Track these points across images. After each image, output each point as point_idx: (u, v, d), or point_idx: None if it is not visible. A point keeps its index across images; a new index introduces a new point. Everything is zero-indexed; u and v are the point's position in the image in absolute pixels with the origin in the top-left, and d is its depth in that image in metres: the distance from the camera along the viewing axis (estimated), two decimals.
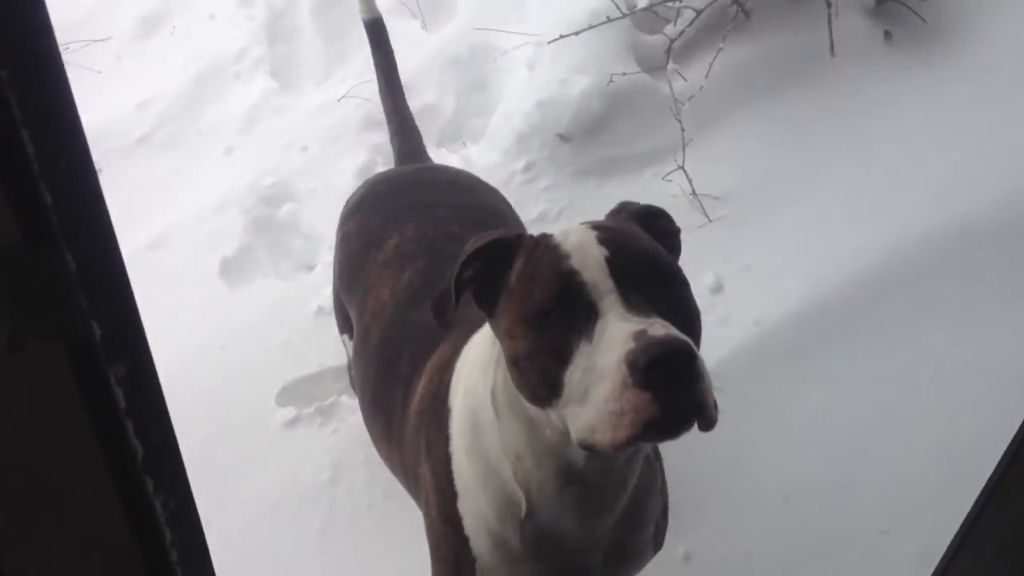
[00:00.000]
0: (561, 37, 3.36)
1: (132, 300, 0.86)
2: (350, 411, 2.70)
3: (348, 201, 2.43)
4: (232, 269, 3.17)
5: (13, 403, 0.81)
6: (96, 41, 4.46)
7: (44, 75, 0.75)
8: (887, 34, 3.55)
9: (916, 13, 3.53)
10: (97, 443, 0.86)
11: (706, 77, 3.26)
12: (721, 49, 3.29)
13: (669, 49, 3.40)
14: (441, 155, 3.44)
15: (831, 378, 2.59)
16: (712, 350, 2.67)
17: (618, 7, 3.45)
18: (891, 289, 2.75)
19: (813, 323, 2.70)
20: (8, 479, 0.83)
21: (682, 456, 2.51)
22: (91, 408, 0.84)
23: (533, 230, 3.09)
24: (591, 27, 3.37)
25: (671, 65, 3.38)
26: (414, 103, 3.73)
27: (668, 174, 3.09)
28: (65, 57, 3.56)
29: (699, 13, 3.43)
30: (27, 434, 0.83)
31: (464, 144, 3.59)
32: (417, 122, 3.51)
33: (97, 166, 0.80)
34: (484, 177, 3.28)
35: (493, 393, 1.52)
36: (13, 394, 0.80)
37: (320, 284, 3.04)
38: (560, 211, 3.18)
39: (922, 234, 2.85)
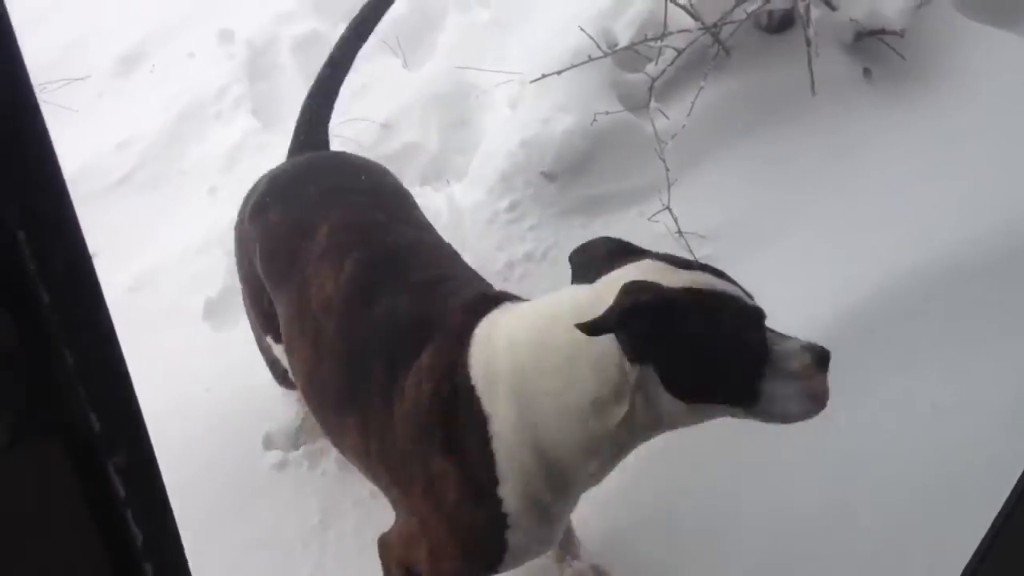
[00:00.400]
0: (543, 76, 3.38)
1: (131, 389, 0.86)
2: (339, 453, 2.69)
3: (248, 199, 2.47)
4: (217, 311, 3.16)
5: (12, 497, 0.80)
6: (75, 80, 4.44)
7: (40, 172, 0.75)
8: (866, 71, 3.58)
9: (894, 50, 3.57)
10: (97, 532, 0.85)
11: (688, 115, 3.27)
12: (703, 87, 3.31)
13: (651, 88, 3.41)
14: (425, 193, 3.45)
15: (819, 418, 2.59)
16: None
17: (599, 46, 3.46)
18: (879, 326, 2.76)
19: None
20: (8, 570, 0.83)
21: (673, 492, 2.52)
22: (91, 498, 0.84)
23: (519, 270, 3.13)
24: (573, 66, 3.39)
25: (653, 104, 3.39)
26: (396, 141, 3.75)
27: (655, 215, 3.10)
28: (43, 97, 3.54)
29: (680, 52, 3.45)
30: (27, 526, 0.82)
31: (448, 182, 3.59)
32: (400, 160, 3.52)
33: (92, 251, 0.80)
34: (469, 216, 3.31)
35: (630, 420, 1.72)
36: (12, 488, 0.80)
37: None
38: (546, 250, 3.18)
39: (908, 270, 2.87)
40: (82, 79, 4.48)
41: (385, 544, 2.05)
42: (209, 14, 4.75)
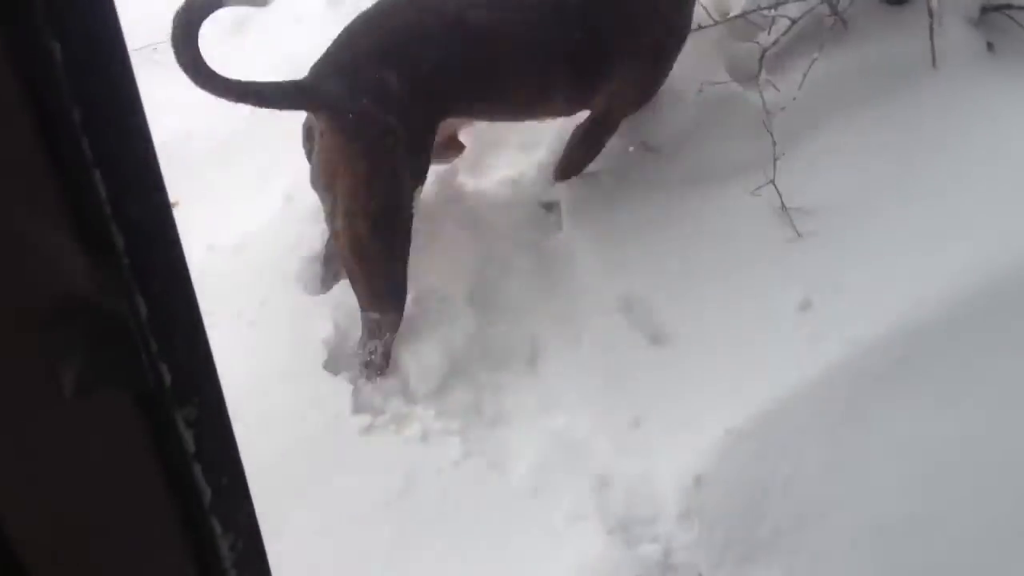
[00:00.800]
0: None
1: (204, 341, 0.84)
2: (430, 419, 2.68)
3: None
4: (309, 274, 3.15)
5: (77, 449, 0.79)
6: None
7: (119, 114, 0.73)
8: (990, 46, 3.42)
9: (1021, 25, 3.40)
10: (164, 487, 0.84)
11: (800, 88, 3.16)
12: (816, 58, 3.20)
13: (761, 58, 3.30)
14: (518, 159, 3.41)
15: (928, 403, 2.50)
16: (802, 369, 2.62)
17: (710, 15, 3.37)
18: (992, 310, 2.64)
19: (909, 345, 2.60)
20: (72, 523, 0.82)
21: (759, 476, 2.47)
22: (158, 453, 0.82)
23: (616, 238, 3.07)
24: None
25: (764, 75, 3.28)
26: None
27: (757, 188, 3.01)
28: (155, 57, 3.56)
29: (794, 22, 3.33)
30: (92, 479, 0.81)
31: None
32: (495, 127, 3.47)
33: (173, 200, 0.78)
34: (565, 188, 3.26)
35: None
36: (77, 440, 0.79)
37: None
38: (646, 221, 3.11)
39: None
40: None
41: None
42: None
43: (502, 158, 3.36)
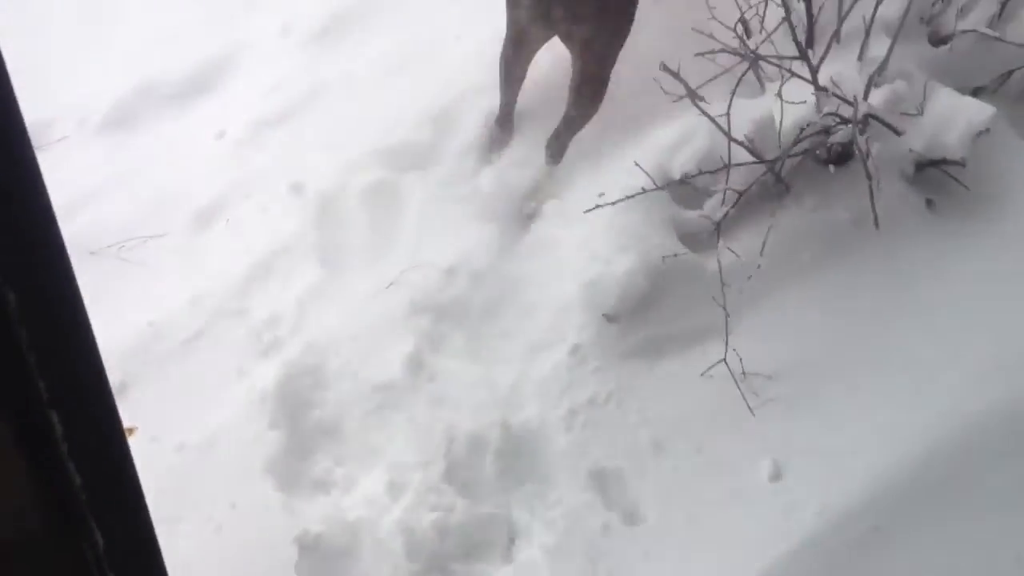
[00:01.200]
0: (596, 207, 3.38)
1: (161, 566, 0.84)
2: None
3: None
4: (279, 468, 3.14)
5: None
6: (152, 238, 4.55)
7: (74, 350, 0.75)
8: (929, 202, 3.51)
9: (957, 180, 3.50)
10: None
11: (761, 254, 3.24)
12: (771, 227, 3.28)
13: (718, 229, 3.36)
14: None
15: (905, 572, 2.47)
16: (778, 543, 2.59)
17: (653, 180, 3.44)
18: (964, 470, 2.65)
19: (882, 510, 2.60)
20: None
21: None
22: None
23: (582, 417, 3.09)
24: (627, 198, 3.36)
25: (721, 243, 3.34)
26: (458, 287, 3.76)
27: (712, 366, 3.06)
28: (121, 255, 3.63)
29: (741, 194, 3.41)
30: None
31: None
32: (464, 305, 3.54)
33: (130, 426, 0.80)
34: (528, 359, 3.30)
35: None
36: None
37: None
38: (610, 394, 3.14)
39: (987, 410, 2.76)
40: (159, 236, 4.59)
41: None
42: (283, 168, 4.86)
43: (462, 338, 3.40)
